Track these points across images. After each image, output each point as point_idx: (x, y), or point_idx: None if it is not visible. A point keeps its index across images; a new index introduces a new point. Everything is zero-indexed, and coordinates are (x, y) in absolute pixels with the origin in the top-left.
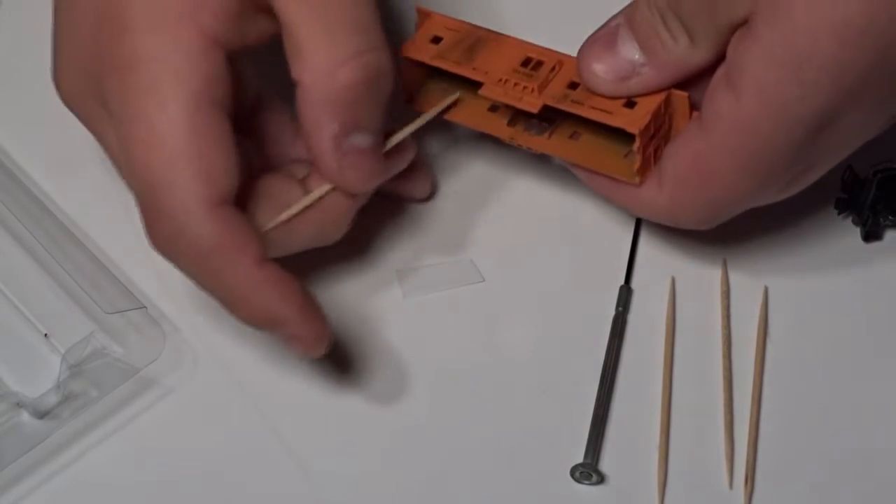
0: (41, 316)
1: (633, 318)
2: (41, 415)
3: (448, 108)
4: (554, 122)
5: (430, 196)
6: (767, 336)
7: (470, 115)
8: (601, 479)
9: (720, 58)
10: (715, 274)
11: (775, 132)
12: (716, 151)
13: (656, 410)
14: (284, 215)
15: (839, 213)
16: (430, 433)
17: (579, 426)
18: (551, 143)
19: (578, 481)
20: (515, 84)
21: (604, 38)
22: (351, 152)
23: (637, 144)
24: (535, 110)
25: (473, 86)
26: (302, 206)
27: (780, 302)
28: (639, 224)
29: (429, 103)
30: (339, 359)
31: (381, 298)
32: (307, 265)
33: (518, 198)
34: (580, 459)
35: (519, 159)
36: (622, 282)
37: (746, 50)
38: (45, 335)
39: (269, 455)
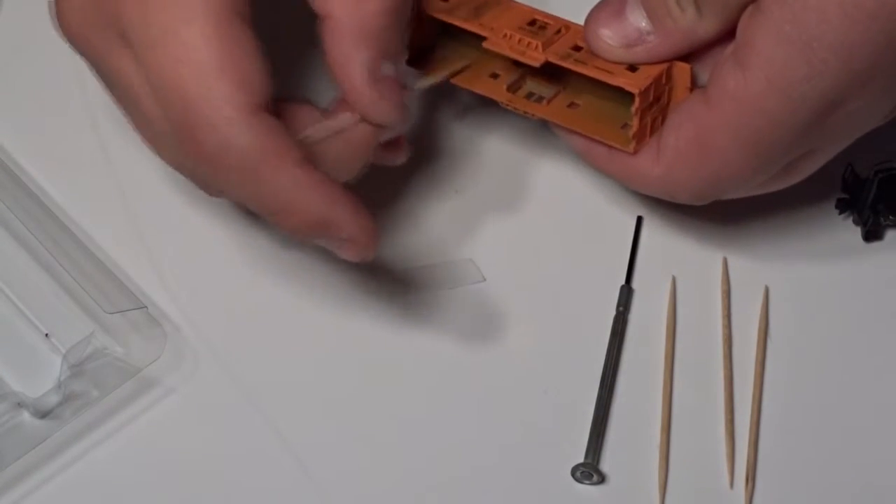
0: (42, 316)
1: (633, 317)
2: (42, 415)
3: (454, 72)
4: (553, 93)
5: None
6: (768, 336)
7: (470, 79)
8: (602, 478)
9: (728, 33)
10: (716, 273)
11: (780, 111)
12: (719, 127)
13: (657, 410)
14: (313, 130)
15: (840, 213)
16: (430, 433)
17: (580, 426)
18: (549, 108)
19: (579, 481)
20: (520, 39)
21: (613, 4)
22: (383, 81)
23: (636, 106)
24: (537, 64)
25: (477, 53)
26: (331, 130)
27: (780, 301)
28: (640, 223)
29: (432, 67)
30: (339, 358)
31: (381, 298)
32: (308, 264)
33: (519, 197)
34: (581, 459)
35: (519, 159)
36: (623, 281)
37: (756, 26)
38: (46, 335)
39: (269, 455)
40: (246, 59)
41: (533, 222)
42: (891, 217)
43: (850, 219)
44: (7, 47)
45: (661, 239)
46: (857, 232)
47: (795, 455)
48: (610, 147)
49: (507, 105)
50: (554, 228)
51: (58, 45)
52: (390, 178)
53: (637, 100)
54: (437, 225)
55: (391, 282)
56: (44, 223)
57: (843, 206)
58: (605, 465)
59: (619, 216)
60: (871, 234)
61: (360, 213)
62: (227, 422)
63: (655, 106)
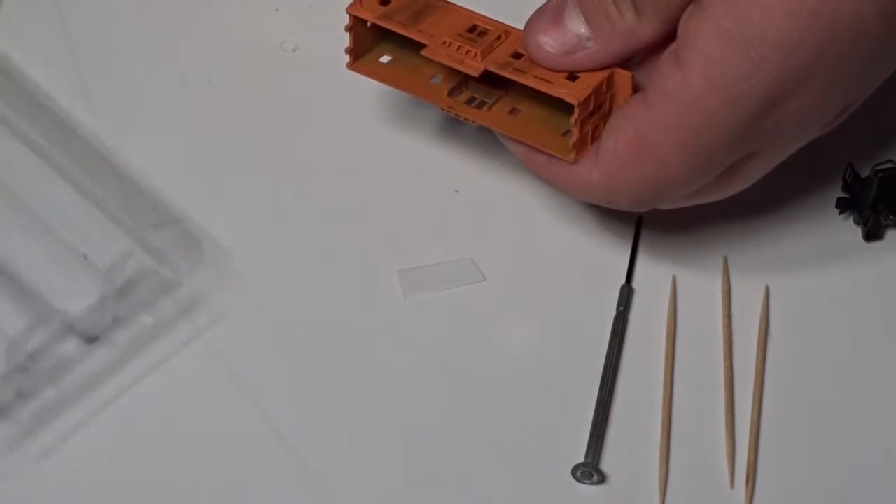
0: (80, 238)
1: (634, 317)
2: (90, 337)
3: (388, 75)
4: (494, 98)
5: None
6: (768, 335)
7: (411, 83)
8: (602, 478)
9: (668, 35)
10: (716, 273)
11: (719, 110)
12: (657, 127)
13: (657, 410)
14: None
15: (840, 213)
16: (429, 432)
17: (580, 426)
18: (490, 115)
19: (579, 481)
20: (459, 47)
21: (551, 10)
22: None
23: (575, 116)
24: (475, 74)
25: (418, 56)
26: None
27: (781, 301)
28: (640, 223)
29: (370, 68)
30: (338, 358)
31: (381, 298)
32: (308, 263)
33: (519, 197)
34: (581, 459)
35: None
36: (623, 281)
37: (697, 24)
38: (85, 256)
39: (267, 455)
40: None
41: (533, 222)
42: (891, 217)
43: (850, 219)
44: (7, 47)
45: (661, 239)
46: (857, 232)
47: (795, 455)
48: (550, 155)
49: (448, 111)
50: (554, 228)
51: (58, 45)
52: (391, 178)
53: (576, 110)
54: (438, 225)
55: (391, 282)
56: (78, 149)
57: (843, 206)
58: (605, 465)
59: (619, 216)
60: (871, 234)
61: None
62: (220, 416)
63: (596, 114)
